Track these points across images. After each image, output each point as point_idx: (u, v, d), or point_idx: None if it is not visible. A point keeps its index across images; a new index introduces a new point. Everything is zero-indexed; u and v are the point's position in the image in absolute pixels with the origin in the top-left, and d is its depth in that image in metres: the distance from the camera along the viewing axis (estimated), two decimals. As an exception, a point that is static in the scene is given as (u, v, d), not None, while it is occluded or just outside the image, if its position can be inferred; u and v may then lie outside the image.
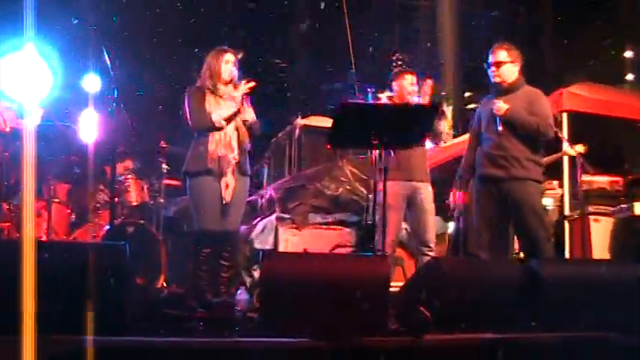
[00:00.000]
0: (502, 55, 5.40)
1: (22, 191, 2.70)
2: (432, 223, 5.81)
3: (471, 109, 13.10)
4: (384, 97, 6.03)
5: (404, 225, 6.04)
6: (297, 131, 8.89)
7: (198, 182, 5.19)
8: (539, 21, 14.64)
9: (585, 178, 7.10)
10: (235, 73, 5.28)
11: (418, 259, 5.79)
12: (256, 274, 6.59)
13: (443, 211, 7.05)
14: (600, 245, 7.14)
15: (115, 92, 5.58)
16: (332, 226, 7.31)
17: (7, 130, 5.85)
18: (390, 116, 4.91)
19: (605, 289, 4.37)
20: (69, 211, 6.84)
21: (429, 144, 5.92)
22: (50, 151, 6.40)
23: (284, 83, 14.76)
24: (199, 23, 12.44)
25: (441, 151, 7.62)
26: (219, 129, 5.15)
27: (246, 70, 5.47)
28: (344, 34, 8.53)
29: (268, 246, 7.09)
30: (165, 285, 6.44)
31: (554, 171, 7.53)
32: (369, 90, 6.79)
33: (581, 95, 8.38)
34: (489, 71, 5.45)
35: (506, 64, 5.39)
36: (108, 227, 6.25)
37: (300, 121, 8.97)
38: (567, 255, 7.41)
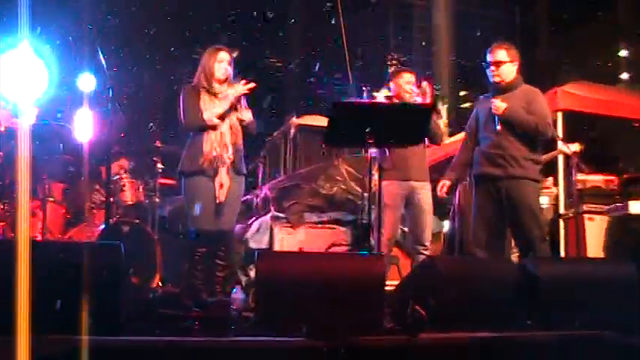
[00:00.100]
0: (501, 54, 5.40)
1: (16, 191, 2.69)
2: (429, 222, 5.82)
3: (466, 108, 13.16)
4: (379, 96, 6.03)
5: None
6: (292, 130, 8.88)
7: (192, 182, 5.18)
8: (534, 20, 14.67)
9: (580, 176, 7.11)
10: (230, 71, 5.28)
11: (414, 259, 5.80)
12: (252, 273, 6.59)
13: (439, 210, 7.05)
14: (595, 244, 7.14)
15: (110, 92, 5.57)
16: (327, 225, 7.31)
17: (2, 129, 5.83)
18: (385, 115, 4.92)
19: (599, 287, 4.38)
20: (64, 210, 6.83)
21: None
22: (45, 151, 6.40)
23: (279, 82, 14.77)
24: (195, 22, 12.43)
25: (435, 150, 7.63)
26: (213, 127, 5.14)
27: (241, 69, 5.47)
28: (339, 33, 8.53)
29: (264, 245, 7.09)
30: (160, 284, 6.44)
31: (548, 169, 7.54)
32: (364, 89, 6.80)
33: (576, 94, 8.38)
34: (488, 70, 5.44)
35: (505, 64, 5.39)
36: (103, 227, 6.24)
37: (295, 121, 8.97)
38: (562, 253, 7.42)
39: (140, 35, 11.85)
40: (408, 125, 4.93)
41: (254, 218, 7.61)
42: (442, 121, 5.88)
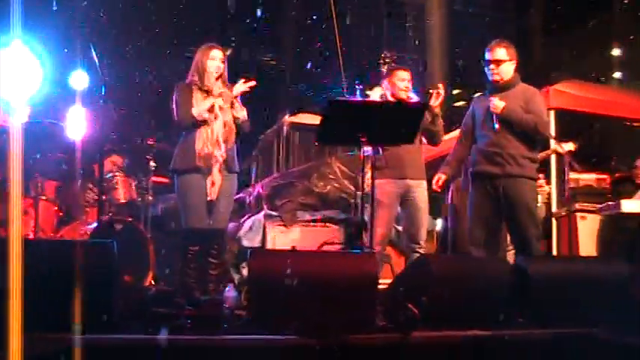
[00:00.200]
0: (501, 52, 5.39)
1: (9, 189, 2.68)
2: (425, 221, 5.81)
3: (460, 106, 13.17)
4: (373, 95, 6.02)
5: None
6: (285, 128, 8.88)
7: (185, 180, 5.18)
8: (527, 19, 14.69)
9: (572, 175, 7.12)
10: (223, 69, 5.28)
11: (409, 257, 5.80)
12: (244, 271, 6.59)
13: (431, 208, 7.06)
14: (587, 242, 7.17)
15: (103, 89, 5.56)
16: (320, 224, 7.31)
17: (-5, 127, 5.81)
18: (378, 114, 4.92)
19: (591, 286, 4.40)
20: (56, 208, 6.81)
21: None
22: (37, 149, 6.37)
23: (272, 80, 14.76)
24: (189, 20, 12.41)
25: (429, 148, 7.63)
26: (203, 122, 5.14)
27: (234, 66, 5.47)
28: (332, 31, 8.53)
29: (256, 243, 7.08)
30: (153, 283, 6.42)
31: (541, 168, 7.57)
32: (357, 87, 6.80)
33: (568, 93, 8.41)
34: (487, 69, 5.42)
35: (505, 63, 5.39)
36: (96, 225, 6.23)
37: (288, 119, 8.97)
38: (554, 252, 7.44)
39: (133, 33, 11.83)
40: (400, 124, 4.93)
41: (247, 216, 7.60)
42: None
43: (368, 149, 5.04)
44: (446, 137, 7.99)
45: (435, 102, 5.62)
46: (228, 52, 5.37)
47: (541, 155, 7.18)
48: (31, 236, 6.11)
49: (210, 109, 5.15)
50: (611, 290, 4.39)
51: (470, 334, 3.99)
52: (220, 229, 5.30)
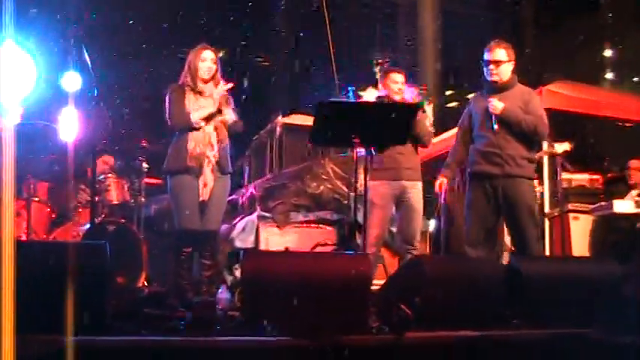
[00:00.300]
0: (501, 53, 5.38)
1: (1, 190, 2.67)
2: (419, 222, 5.83)
3: (452, 107, 13.19)
4: (367, 96, 6.02)
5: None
6: (278, 129, 8.86)
7: (177, 181, 5.18)
8: (519, 19, 14.71)
9: (565, 175, 7.14)
10: (215, 70, 5.27)
11: (402, 258, 5.80)
12: (237, 272, 6.58)
13: (425, 208, 7.06)
14: (580, 243, 7.19)
15: (96, 91, 5.54)
16: (313, 225, 7.30)
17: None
18: (370, 115, 4.92)
19: (584, 286, 4.41)
20: (49, 210, 6.80)
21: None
22: (30, 150, 6.36)
23: (265, 81, 14.74)
24: (182, 22, 12.38)
25: (422, 149, 7.64)
26: (198, 129, 5.14)
27: (226, 68, 5.46)
28: (324, 32, 8.52)
29: (249, 245, 7.07)
30: (146, 284, 6.42)
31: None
32: (349, 89, 6.79)
33: (561, 93, 8.42)
34: (486, 69, 5.41)
35: (504, 63, 5.38)
36: (88, 226, 6.22)
37: (281, 120, 8.95)
38: (547, 252, 7.45)
39: (126, 34, 11.80)
40: (392, 125, 4.93)
41: (240, 217, 7.59)
42: (428, 121, 5.85)
43: (361, 150, 5.04)
44: (440, 137, 7.97)
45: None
46: (220, 54, 5.36)
47: (537, 155, 7.21)
48: (24, 238, 6.10)
49: (208, 119, 5.16)
50: (603, 290, 4.39)
51: (463, 334, 3.98)
52: (213, 230, 5.30)
